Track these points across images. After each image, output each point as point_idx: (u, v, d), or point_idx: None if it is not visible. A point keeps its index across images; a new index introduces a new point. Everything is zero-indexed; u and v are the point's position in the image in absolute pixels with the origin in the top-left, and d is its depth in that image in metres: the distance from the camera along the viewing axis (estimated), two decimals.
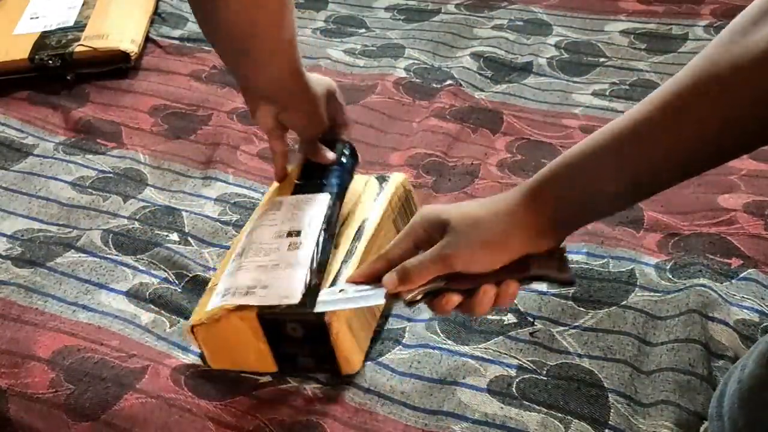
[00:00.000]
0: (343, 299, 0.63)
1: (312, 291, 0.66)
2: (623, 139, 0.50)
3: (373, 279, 0.62)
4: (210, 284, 0.73)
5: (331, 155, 0.78)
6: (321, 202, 0.74)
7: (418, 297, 0.59)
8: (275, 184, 0.81)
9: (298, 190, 0.77)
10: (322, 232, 0.71)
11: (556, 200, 0.54)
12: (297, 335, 0.67)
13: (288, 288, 0.67)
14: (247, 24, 0.65)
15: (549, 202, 0.54)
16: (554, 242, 0.57)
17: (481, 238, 0.56)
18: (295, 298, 0.66)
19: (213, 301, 0.69)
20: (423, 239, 0.60)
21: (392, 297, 0.60)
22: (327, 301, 0.64)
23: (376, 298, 0.61)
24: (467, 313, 0.60)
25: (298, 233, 0.71)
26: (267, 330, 0.67)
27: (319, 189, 0.76)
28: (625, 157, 0.51)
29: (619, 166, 0.51)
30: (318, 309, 0.64)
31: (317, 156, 0.78)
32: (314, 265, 0.68)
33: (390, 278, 0.59)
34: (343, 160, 0.79)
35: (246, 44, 0.67)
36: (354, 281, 0.63)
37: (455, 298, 0.58)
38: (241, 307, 0.67)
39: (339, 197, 0.76)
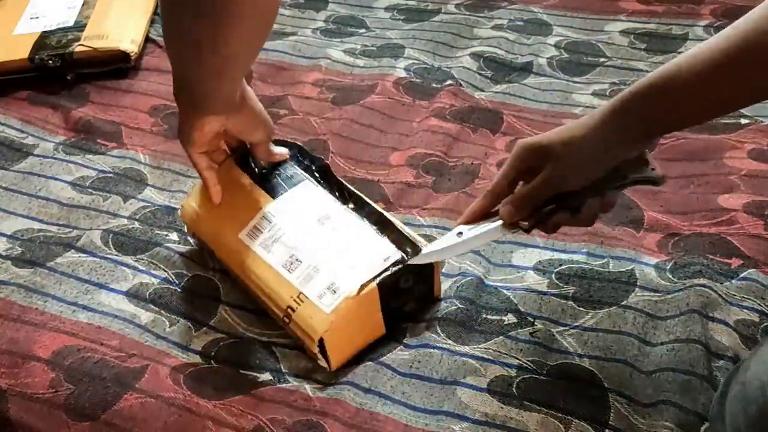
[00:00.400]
0: (464, 241, 0.68)
1: (400, 243, 0.70)
2: (708, 68, 0.57)
3: (485, 216, 0.68)
4: (284, 306, 0.70)
5: (285, 150, 0.80)
6: (310, 189, 0.77)
7: (533, 222, 0.66)
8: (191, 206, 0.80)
9: (275, 192, 0.77)
10: (344, 205, 0.75)
11: (646, 115, 0.61)
12: (407, 285, 0.71)
13: (379, 251, 0.70)
14: (255, 43, 0.64)
15: (640, 116, 0.61)
16: (645, 147, 0.65)
17: (583, 155, 0.63)
18: (395, 254, 0.70)
19: (325, 304, 0.68)
20: (524, 170, 0.66)
21: (509, 227, 0.67)
22: (447, 247, 0.69)
23: (494, 232, 0.67)
24: (577, 225, 0.69)
25: (327, 217, 0.73)
26: (383, 295, 0.69)
27: (293, 183, 0.77)
28: (709, 84, 0.58)
29: (702, 92, 0.59)
30: (435, 258, 0.70)
31: (274, 156, 0.79)
32: (375, 225, 0.72)
33: (507, 209, 0.66)
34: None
35: (239, 61, 0.66)
36: (468, 221, 0.69)
37: (565, 217, 0.66)
38: (360, 288, 0.68)
39: (320, 177, 0.78)
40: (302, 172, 0.79)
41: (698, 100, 0.60)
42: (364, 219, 0.74)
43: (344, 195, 0.76)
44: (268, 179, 0.78)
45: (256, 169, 0.79)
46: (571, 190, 0.64)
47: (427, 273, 0.73)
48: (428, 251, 0.69)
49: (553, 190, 0.65)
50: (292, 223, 0.74)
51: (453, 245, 0.68)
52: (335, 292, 0.68)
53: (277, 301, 0.71)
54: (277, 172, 0.79)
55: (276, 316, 0.72)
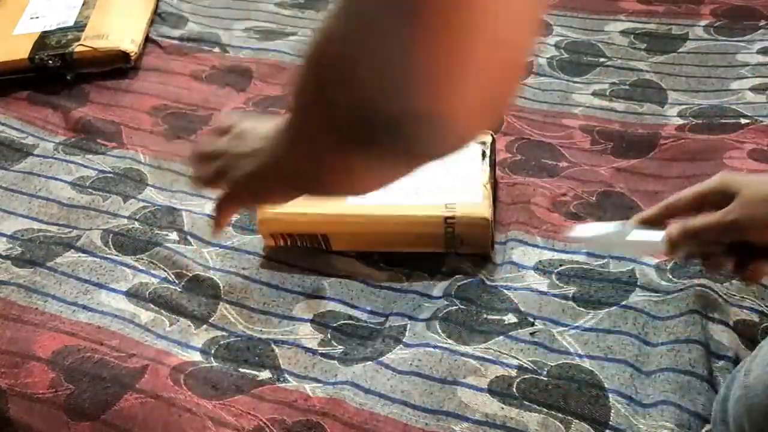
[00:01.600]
0: (622, 241, 0.69)
1: None
2: None
3: (656, 223, 0.67)
4: (441, 222, 0.77)
5: None
6: None
7: (695, 254, 0.65)
8: None
9: None
10: None
11: None
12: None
13: None
14: None
15: None
16: None
17: None
18: None
19: (474, 199, 0.79)
20: (711, 201, 0.64)
21: (672, 247, 0.65)
22: (605, 236, 0.69)
23: (653, 245, 0.67)
24: (737, 276, 0.66)
25: None
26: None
27: None
28: None
29: None
30: (588, 244, 0.75)
31: None
32: None
33: (672, 233, 0.65)
34: None
35: None
36: (639, 222, 0.68)
37: (729, 264, 0.64)
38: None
39: None
40: None
41: None
42: None
43: None
44: None
45: None
46: (747, 240, 0.62)
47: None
48: (588, 235, 0.72)
49: (731, 235, 0.63)
50: None
51: (611, 238, 0.69)
52: (471, 187, 0.78)
53: (431, 226, 0.77)
54: None
55: (434, 244, 0.78)
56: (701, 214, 0.64)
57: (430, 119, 0.33)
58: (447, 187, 0.79)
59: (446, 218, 0.76)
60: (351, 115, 0.34)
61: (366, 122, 0.34)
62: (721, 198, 0.64)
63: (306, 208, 0.79)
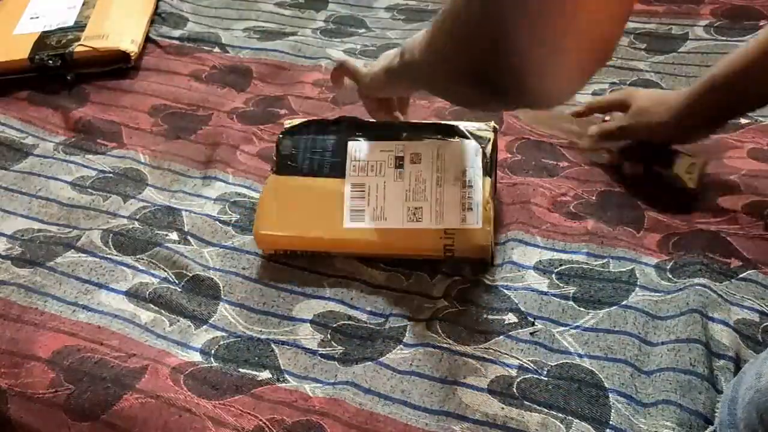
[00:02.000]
0: (558, 117, 0.92)
1: (471, 135, 0.80)
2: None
3: (583, 117, 0.91)
4: (441, 250, 0.76)
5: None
6: (360, 146, 0.80)
7: (600, 148, 0.88)
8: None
9: (335, 173, 0.79)
10: (399, 140, 0.80)
11: (712, 106, 0.77)
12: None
13: (466, 152, 0.79)
14: None
15: (709, 105, 0.77)
16: (701, 137, 0.84)
17: (652, 119, 0.81)
18: (478, 148, 0.79)
19: (473, 222, 0.75)
20: (618, 108, 0.86)
21: (591, 140, 0.87)
22: (546, 118, 0.94)
23: (576, 132, 0.90)
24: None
25: (400, 158, 0.78)
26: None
27: (342, 154, 0.80)
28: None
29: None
30: (532, 121, 0.94)
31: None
32: (439, 135, 0.80)
33: (594, 129, 0.86)
34: None
35: None
36: (573, 115, 0.91)
37: (618, 159, 0.86)
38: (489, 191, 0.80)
39: (355, 132, 0.82)
40: (336, 140, 0.80)
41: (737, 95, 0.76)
42: (426, 137, 0.78)
43: (392, 128, 0.80)
44: (319, 168, 0.79)
45: (298, 164, 0.80)
46: (637, 141, 0.83)
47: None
48: (534, 115, 0.94)
49: (617, 136, 0.84)
50: (379, 184, 0.76)
51: (548, 120, 0.93)
52: (471, 208, 0.74)
53: (429, 252, 0.75)
54: (315, 156, 0.80)
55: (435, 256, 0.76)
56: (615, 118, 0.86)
57: (530, 89, 0.48)
58: (446, 206, 0.75)
59: (445, 246, 0.75)
60: (473, 77, 0.51)
61: (485, 81, 0.50)
62: (623, 107, 0.84)
63: (303, 231, 0.78)
